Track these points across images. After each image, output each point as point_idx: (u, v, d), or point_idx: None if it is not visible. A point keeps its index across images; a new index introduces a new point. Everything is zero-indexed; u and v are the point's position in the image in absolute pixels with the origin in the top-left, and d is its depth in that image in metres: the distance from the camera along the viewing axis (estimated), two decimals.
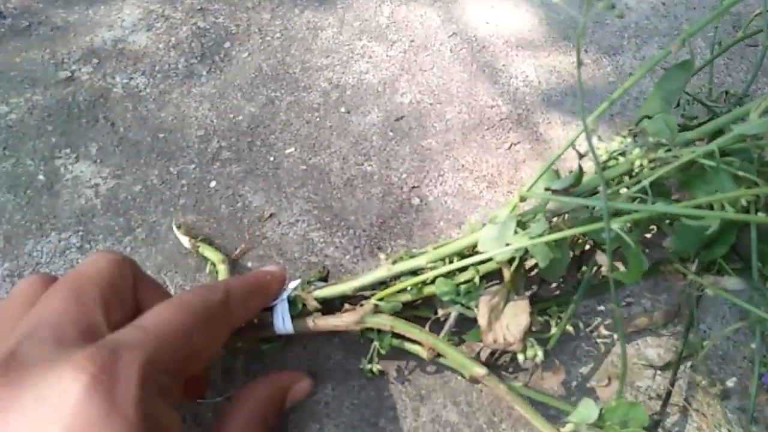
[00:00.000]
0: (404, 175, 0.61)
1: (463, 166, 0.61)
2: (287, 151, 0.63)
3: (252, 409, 0.40)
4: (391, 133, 0.64)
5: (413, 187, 0.60)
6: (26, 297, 0.32)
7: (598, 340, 0.50)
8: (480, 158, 0.62)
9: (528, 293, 0.52)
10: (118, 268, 0.34)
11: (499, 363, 0.49)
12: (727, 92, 0.58)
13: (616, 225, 0.40)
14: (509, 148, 0.62)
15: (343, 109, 0.66)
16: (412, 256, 0.48)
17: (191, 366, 0.33)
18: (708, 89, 0.59)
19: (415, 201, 0.59)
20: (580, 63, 0.35)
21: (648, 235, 0.53)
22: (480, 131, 0.63)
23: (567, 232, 0.41)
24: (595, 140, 0.56)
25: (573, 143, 0.44)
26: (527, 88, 0.66)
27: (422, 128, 0.64)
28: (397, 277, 0.48)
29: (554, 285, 0.53)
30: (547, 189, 0.45)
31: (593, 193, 0.48)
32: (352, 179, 0.61)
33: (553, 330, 0.47)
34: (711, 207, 0.42)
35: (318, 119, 0.66)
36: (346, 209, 0.59)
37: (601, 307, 0.52)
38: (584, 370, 0.49)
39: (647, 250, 0.53)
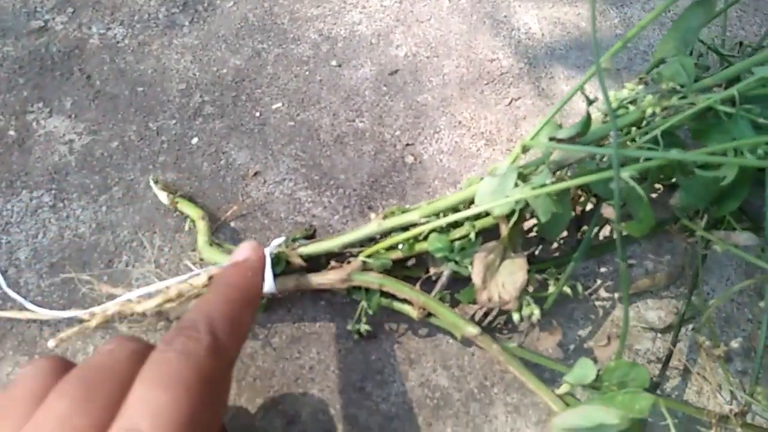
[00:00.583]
0: (398, 132, 0.60)
1: (460, 122, 0.60)
2: (274, 107, 0.62)
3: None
4: (384, 88, 0.62)
5: (407, 144, 0.59)
6: (34, 391, 0.27)
7: (597, 303, 0.49)
8: (478, 114, 0.60)
9: (526, 254, 0.51)
10: (139, 361, 0.29)
11: (493, 325, 0.49)
12: (741, 43, 0.56)
13: (626, 173, 0.38)
14: (509, 103, 0.61)
15: (334, 63, 0.64)
16: (404, 211, 0.46)
17: None
18: (721, 41, 0.57)
19: (409, 159, 0.58)
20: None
21: (653, 195, 0.52)
22: (479, 86, 0.62)
23: (572, 182, 0.40)
24: (590, 88, 0.54)
25: (582, 86, 0.43)
26: (530, 41, 0.64)
27: (418, 83, 0.63)
28: (387, 234, 0.47)
29: (554, 246, 0.52)
30: (551, 138, 0.44)
31: (601, 144, 0.46)
32: (342, 136, 0.60)
33: (551, 290, 0.46)
34: (726, 156, 0.41)
35: (307, 73, 0.64)
36: (335, 167, 0.58)
37: (602, 269, 0.51)
38: (582, 332, 0.48)
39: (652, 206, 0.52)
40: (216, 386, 0.28)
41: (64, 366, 0.30)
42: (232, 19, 0.68)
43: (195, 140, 0.60)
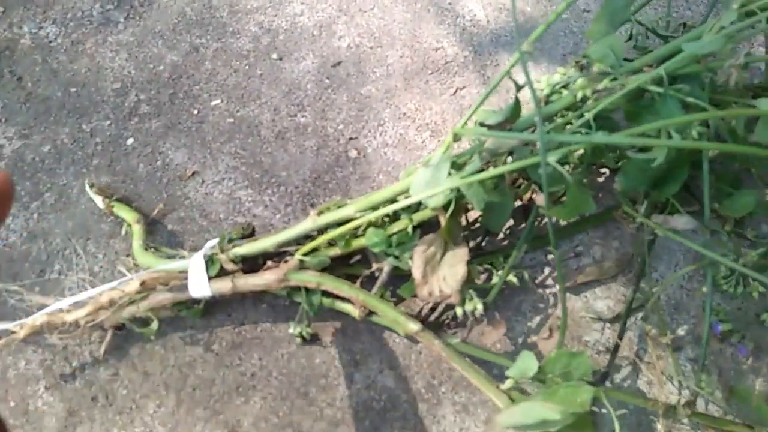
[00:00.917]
0: (341, 126, 0.58)
1: (404, 114, 0.58)
2: (213, 103, 0.60)
3: None
4: (327, 81, 0.61)
5: (350, 138, 0.57)
6: None
7: (545, 292, 0.48)
8: (423, 105, 0.59)
9: (472, 245, 0.50)
10: None
11: (440, 320, 0.47)
12: (684, 24, 0.55)
13: (552, 158, 0.37)
14: (454, 93, 0.59)
15: (274, 56, 0.62)
16: (340, 206, 0.45)
17: None
18: (666, 22, 0.56)
19: (353, 153, 0.56)
20: None
21: (600, 180, 0.51)
22: (423, 76, 0.60)
23: (501, 168, 0.39)
24: (536, 73, 0.53)
25: (509, 72, 0.42)
26: (475, 28, 0.63)
27: (361, 74, 0.61)
28: (324, 231, 0.45)
29: (501, 237, 0.51)
30: (481, 124, 0.43)
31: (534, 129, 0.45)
32: (283, 132, 0.58)
33: (494, 280, 0.45)
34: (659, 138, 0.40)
35: (247, 67, 0.62)
36: (276, 165, 0.56)
37: (550, 257, 0.50)
38: (530, 324, 0.47)
39: (600, 195, 0.51)
40: None
41: None
42: (169, 13, 0.66)
43: (130, 141, 0.58)
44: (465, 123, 0.43)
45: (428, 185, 0.41)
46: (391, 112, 0.58)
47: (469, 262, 0.44)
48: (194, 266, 0.44)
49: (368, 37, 0.63)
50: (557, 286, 0.48)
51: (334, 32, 0.64)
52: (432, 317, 0.47)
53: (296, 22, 0.64)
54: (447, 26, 0.63)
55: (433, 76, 0.60)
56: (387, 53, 0.62)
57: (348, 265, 0.48)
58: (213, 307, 0.49)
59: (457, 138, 0.43)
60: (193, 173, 0.55)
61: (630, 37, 0.53)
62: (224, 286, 0.44)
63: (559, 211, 0.37)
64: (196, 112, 0.59)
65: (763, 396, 0.40)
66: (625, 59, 0.52)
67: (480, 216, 0.50)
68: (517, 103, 0.42)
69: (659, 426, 0.39)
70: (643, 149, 0.40)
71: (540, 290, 0.48)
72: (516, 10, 0.64)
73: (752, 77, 0.58)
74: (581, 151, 0.45)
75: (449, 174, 0.41)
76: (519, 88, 0.42)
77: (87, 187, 0.54)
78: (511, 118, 0.43)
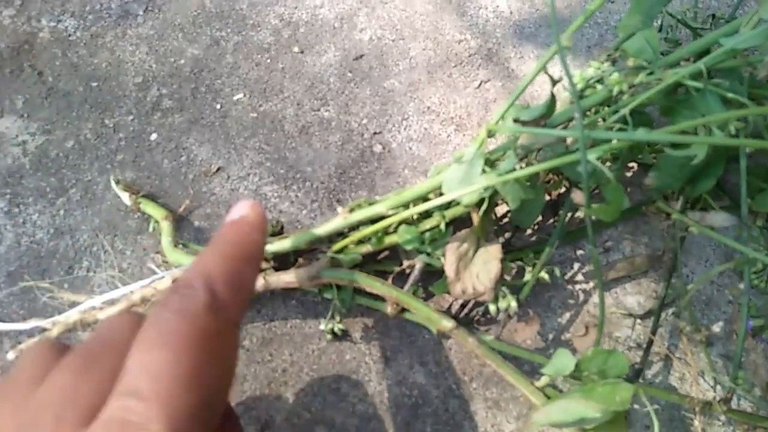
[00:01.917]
0: (365, 121, 0.57)
1: (428, 108, 0.58)
2: (235, 98, 0.59)
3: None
4: (349, 74, 0.60)
5: (375, 133, 0.57)
6: (35, 372, 0.27)
7: (575, 289, 0.48)
8: (447, 99, 0.58)
9: (501, 241, 0.49)
10: (138, 328, 0.27)
11: (471, 316, 0.47)
12: (713, 15, 0.55)
13: (593, 156, 0.37)
14: (479, 86, 0.59)
15: (296, 49, 0.62)
16: (371, 203, 0.45)
17: (216, 408, 0.26)
18: (693, 13, 0.56)
19: (377, 148, 0.56)
20: None
21: (628, 174, 0.51)
22: (447, 69, 0.60)
23: (539, 166, 0.39)
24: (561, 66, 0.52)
25: (544, 67, 0.41)
26: (498, 20, 0.62)
27: (384, 67, 0.60)
28: (355, 228, 0.45)
29: (529, 233, 0.51)
30: (516, 120, 0.42)
31: (569, 125, 0.45)
32: (307, 126, 0.57)
33: (527, 277, 0.45)
34: (696, 134, 0.39)
35: (269, 61, 0.61)
36: (301, 160, 0.56)
37: (579, 253, 0.50)
38: (560, 321, 0.47)
39: (628, 190, 0.51)
40: (218, 346, 0.26)
41: (62, 348, 0.29)
42: (188, 6, 0.65)
43: (154, 136, 0.57)
44: (499, 119, 0.42)
45: (462, 182, 0.41)
46: (415, 106, 0.58)
47: (502, 259, 0.43)
48: None
49: (390, 30, 0.63)
50: (589, 282, 0.48)
51: (356, 24, 0.63)
52: (462, 314, 0.47)
53: (317, 14, 0.64)
54: (470, 18, 0.63)
55: (457, 69, 0.60)
56: (409, 46, 0.62)
57: (377, 261, 0.48)
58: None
59: (491, 134, 0.42)
60: (218, 169, 0.55)
61: (660, 29, 0.53)
62: (256, 283, 0.44)
63: (601, 209, 0.37)
64: (218, 106, 0.59)
65: None
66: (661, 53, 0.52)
67: (509, 211, 0.50)
68: (552, 98, 0.42)
69: (696, 422, 0.39)
70: (681, 145, 0.40)
71: (570, 286, 0.48)
72: (539, 2, 0.63)
73: None
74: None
75: (483, 171, 0.41)
76: (554, 82, 0.41)
77: (113, 184, 0.54)
78: (547, 114, 0.42)
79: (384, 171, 0.55)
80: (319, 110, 0.58)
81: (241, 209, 0.33)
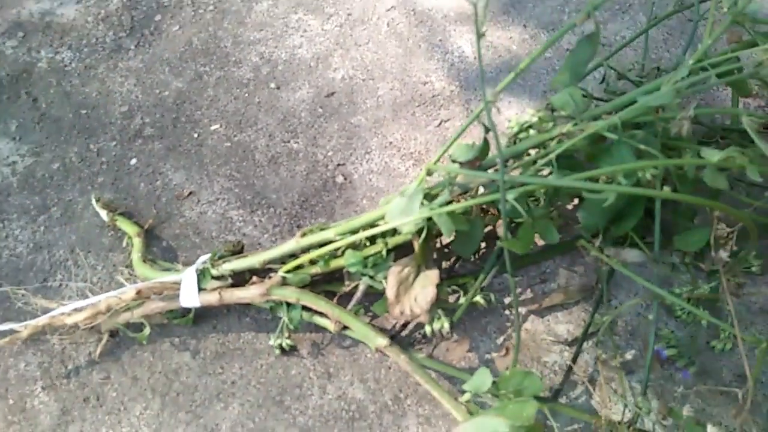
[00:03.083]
0: (330, 153, 0.63)
1: (391, 143, 0.64)
2: (212, 128, 0.66)
3: None
4: (320, 110, 0.67)
5: (338, 164, 0.63)
6: None
7: (511, 314, 0.53)
8: (409, 135, 0.64)
9: (445, 267, 0.55)
10: None
11: (412, 337, 0.52)
12: (658, 68, 0.60)
13: (511, 196, 0.42)
14: (439, 125, 0.65)
15: (273, 85, 0.68)
16: (322, 229, 0.50)
17: None
18: (641, 65, 0.61)
19: (339, 179, 0.62)
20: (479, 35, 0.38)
21: (570, 207, 0.56)
22: (411, 108, 0.66)
23: (465, 204, 0.44)
24: (518, 108, 0.57)
25: (478, 117, 0.47)
26: (462, 64, 0.69)
27: (353, 104, 0.67)
28: (307, 251, 0.50)
29: (474, 260, 0.56)
30: (454, 161, 0.48)
31: (507, 166, 0.50)
32: (276, 156, 0.63)
33: (461, 300, 0.50)
34: (612, 181, 0.45)
35: (246, 95, 0.68)
36: (268, 187, 0.61)
37: (517, 281, 0.55)
38: (494, 344, 0.51)
39: (569, 223, 0.56)
40: None
41: None
42: (176, 42, 0.72)
43: (134, 161, 0.64)
44: (438, 159, 0.48)
45: (402, 213, 0.47)
46: (378, 141, 0.64)
47: (439, 284, 0.49)
48: (186, 279, 0.50)
49: (362, 70, 0.69)
50: (523, 309, 0.53)
51: (330, 64, 0.70)
52: (403, 333, 0.52)
53: (295, 53, 0.71)
54: (436, 61, 0.69)
55: (420, 108, 0.66)
56: (378, 85, 0.68)
57: (328, 282, 0.53)
58: (200, 318, 0.54)
59: (430, 173, 0.48)
60: (190, 193, 0.61)
61: (602, 80, 0.59)
62: (212, 298, 0.49)
63: (513, 243, 0.42)
64: (196, 135, 0.65)
65: (693, 418, 0.44)
66: (598, 99, 0.58)
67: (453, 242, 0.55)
68: (485, 143, 0.48)
69: None
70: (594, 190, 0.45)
71: (507, 312, 0.53)
72: (502, 48, 0.70)
73: (723, 119, 0.63)
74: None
75: (422, 204, 0.47)
76: (487, 130, 0.47)
77: (93, 201, 0.60)
78: (480, 156, 0.48)
79: (344, 200, 0.60)
80: (288, 142, 0.64)
81: None
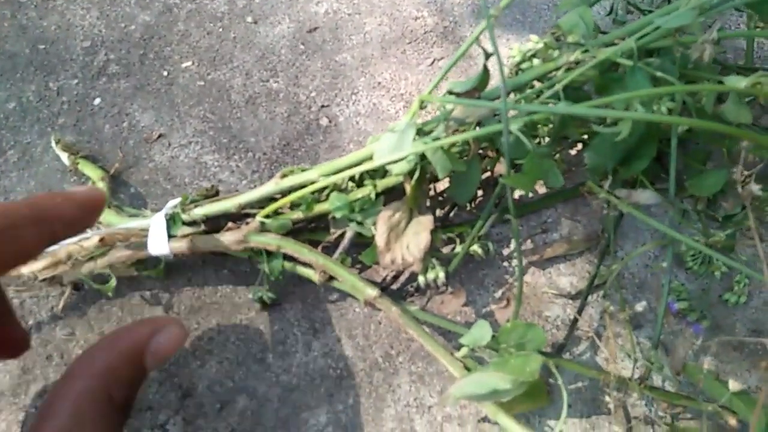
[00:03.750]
0: (313, 93, 0.59)
1: (379, 83, 0.59)
2: (183, 65, 0.60)
3: (83, 389, 0.31)
4: (302, 47, 0.61)
5: (322, 106, 0.58)
6: None
7: (510, 266, 0.49)
8: (398, 75, 0.60)
9: (439, 215, 0.51)
10: None
11: (404, 289, 0.49)
12: None
13: (514, 126, 0.38)
14: (431, 64, 0.60)
15: (249, 19, 0.63)
16: (304, 170, 0.46)
17: None
18: None
19: (324, 121, 0.57)
20: None
21: (573, 152, 0.52)
22: (401, 45, 0.61)
23: (464, 135, 0.40)
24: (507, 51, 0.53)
25: (477, 39, 0.43)
26: None
27: (337, 41, 0.62)
28: (287, 194, 0.46)
29: (470, 209, 0.52)
30: (450, 93, 0.44)
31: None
32: (254, 97, 0.59)
33: (457, 250, 0.46)
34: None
35: (221, 30, 0.63)
36: (245, 130, 0.57)
37: (518, 231, 0.51)
38: (492, 297, 0.48)
39: (572, 170, 0.52)
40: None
41: None
42: None
43: (97, 101, 0.59)
44: (432, 90, 0.44)
45: (392, 151, 0.42)
46: (365, 81, 0.59)
47: (433, 231, 0.45)
48: (154, 224, 0.45)
49: (347, 3, 0.64)
50: (524, 261, 0.49)
51: None
52: (395, 286, 0.48)
53: None
54: None
55: (411, 46, 0.61)
56: (365, 20, 0.63)
57: (312, 231, 0.49)
58: (173, 271, 0.50)
59: (423, 105, 0.44)
60: (160, 136, 0.56)
61: (610, 11, 0.55)
62: (183, 245, 0.45)
63: (516, 179, 0.39)
64: (166, 73, 0.60)
65: (712, 373, 0.42)
66: (604, 32, 0.53)
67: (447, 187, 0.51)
68: (485, 71, 0.44)
69: (612, 398, 0.40)
70: (611, 124, 0.42)
71: (505, 263, 0.49)
72: None
73: (736, 57, 0.59)
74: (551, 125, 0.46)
75: (414, 140, 0.42)
76: (488, 56, 0.43)
77: (53, 143, 0.55)
78: (479, 87, 0.44)
79: (329, 144, 0.56)
80: (267, 81, 0.59)
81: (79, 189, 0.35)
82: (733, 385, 0.35)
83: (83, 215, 0.35)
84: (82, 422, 0.31)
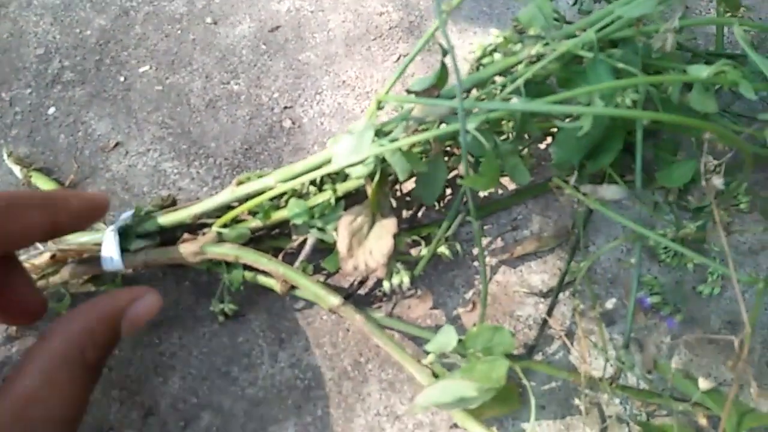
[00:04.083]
0: (276, 95, 0.57)
1: (344, 82, 0.58)
2: (141, 70, 0.59)
3: (56, 349, 0.33)
4: (263, 47, 0.60)
5: (285, 107, 0.57)
6: None
7: (479, 265, 0.48)
8: (364, 73, 0.58)
9: (405, 216, 0.50)
10: None
11: (371, 294, 0.47)
12: None
13: (471, 125, 0.37)
14: (397, 60, 0.59)
15: (209, 20, 0.61)
16: (261, 176, 0.45)
17: None
18: None
19: (287, 123, 0.56)
20: None
21: (542, 146, 0.51)
22: (365, 42, 0.60)
23: (421, 136, 0.39)
24: (485, 38, 0.51)
25: (432, 36, 0.41)
26: None
27: (300, 40, 0.60)
28: (244, 202, 0.45)
29: (438, 209, 0.51)
30: (408, 91, 0.43)
31: (467, 96, 0.45)
32: (215, 100, 0.57)
33: (423, 252, 0.45)
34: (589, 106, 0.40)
35: (179, 32, 0.61)
36: (206, 135, 0.55)
37: (486, 230, 0.50)
38: (462, 299, 0.47)
39: (543, 164, 0.51)
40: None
41: None
42: None
43: (52, 110, 0.57)
44: (389, 89, 0.43)
45: (351, 154, 0.41)
46: (329, 80, 0.58)
47: (397, 235, 0.44)
48: (107, 239, 0.44)
49: (309, 0, 0.62)
50: (494, 259, 0.48)
51: None
52: (361, 291, 0.47)
53: None
54: None
55: (376, 42, 0.60)
56: (329, 17, 0.61)
57: (274, 238, 0.48)
58: (131, 283, 0.48)
59: (381, 105, 0.42)
60: (116, 144, 0.55)
61: (575, 2, 0.53)
62: (138, 259, 0.44)
63: (475, 180, 0.37)
64: (122, 79, 0.58)
65: (683, 371, 0.41)
66: (570, 23, 0.52)
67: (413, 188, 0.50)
68: (443, 68, 0.42)
69: (584, 398, 0.39)
70: (574, 118, 0.40)
71: (476, 263, 0.48)
72: None
73: (707, 43, 0.58)
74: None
75: (373, 141, 0.41)
76: (445, 53, 0.42)
77: (5, 156, 0.53)
78: (438, 84, 0.42)
79: (292, 147, 0.55)
80: (228, 83, 0.58)
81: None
82: (703, 384, 0.34)
83: (87, 212, 0.38)
84: (51, 382, 0.32)
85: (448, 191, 0.51)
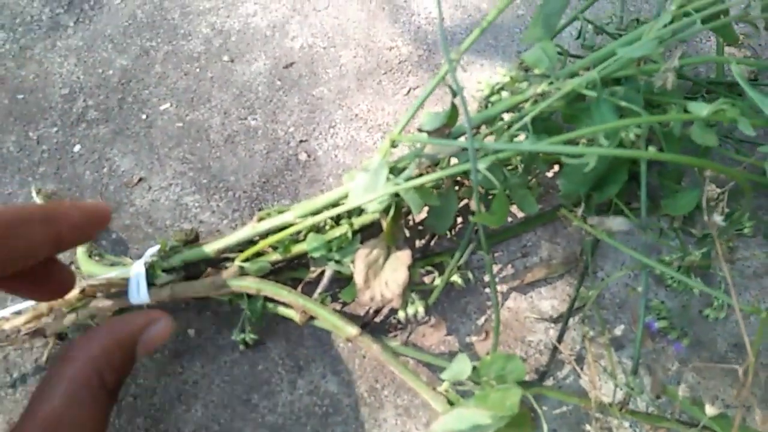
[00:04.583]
0: (291, 129, 0.60)
1: (356, 115, 0.60)
2: (162, 108, 0.61)
3: (77, 372, 0.34)
4: (278, 83, 0.62)
5: (301, 141, 0.59)
6: None
7: (490, 292, 0.50)
8: (375, 106, 0.61)
9: (419, 246, 0.52)
10: None
11: (386, 323, 0.49)
12: (638, 20, 0.57)
13: (482, 165, 0.39)
14: (407, 93, 0.61)
15: (226, 58, 0.64)
16: (281, 212, 0.47)
17: None
18: (620, 17, 0.58)
19: (303, 156, 0.58)
20: None
21: (549, 174, 0.53)
22: (377, 76, 0.62)
23: (434, 175, 0.41)
24: (490, 71, 0.53)
25: (443, 79, 0.44)
26: (429, 26, 0.65)
27: (314, 75, 0.63)
28: (265, 237, 0.47)
29: (451, 237, 0.53)
30: (420, 130, 0.45)
31: (476, 133, 0.47)
32: (233, 135, 0.59)
33: (436, 281, 0.47)
34: (593, 143, 0.42)
35: (198, 70, 0.64)
36: (225, 169, 0.58)
37: (497, 257, 0.52)
38: (474, 326, 0.49)
39: (551, 191, 0.53)
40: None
41: None
42: (119, 16, 0.67)
43: (77, 148, 0.59)
44: (403, 129, 0.45)
45: (366, 190, 0.43)
46: (342, 114, 0.60)
47: (411, 266, 0.45)
48: (134, 274, 0.46)
49: (322, 37, 0.65)
50: (504, 286, 0.50)
51: (287, 32, 0.65)
52: (377, 320, 0.49)
53: (249, 22, 0.66)
54: (402, 24, 0.65)
55: (387, 76, 0.62)
56: (340, 53, 0.64)
57: (293, 269, 0.50)
58: None
59: (394, 144, 0.44)
60: (140, 179, 0.57)
61: (579, 35, 0.55)
62: (163, 293, 0.46)
63: (486, 217, 0.39)
64: (144, 116, 0.61)
65: (692, 395, 0.42)
66: (574, 56, 0.55)
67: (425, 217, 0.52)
68: (453, 108, 0.44)
69: (595, 424, 0.40)
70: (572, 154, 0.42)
71: (488, 290, 0.50)
72: (471, 8, 0.66)
73: (708, 71, 0.60)
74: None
75: (387, 179, 0.43)
76: (454, 94, 0.44)
77: (33, 193, 0.56)
78: (449, 123, 0.44)
79: (308, 179, 0.57)
80: (246, 119, 0.60)
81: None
82: (710, 410, 0.36)
83: (89, 222, 0.38)
84: (74, 405, 0.33)
85: (459, 219, 0.53)
